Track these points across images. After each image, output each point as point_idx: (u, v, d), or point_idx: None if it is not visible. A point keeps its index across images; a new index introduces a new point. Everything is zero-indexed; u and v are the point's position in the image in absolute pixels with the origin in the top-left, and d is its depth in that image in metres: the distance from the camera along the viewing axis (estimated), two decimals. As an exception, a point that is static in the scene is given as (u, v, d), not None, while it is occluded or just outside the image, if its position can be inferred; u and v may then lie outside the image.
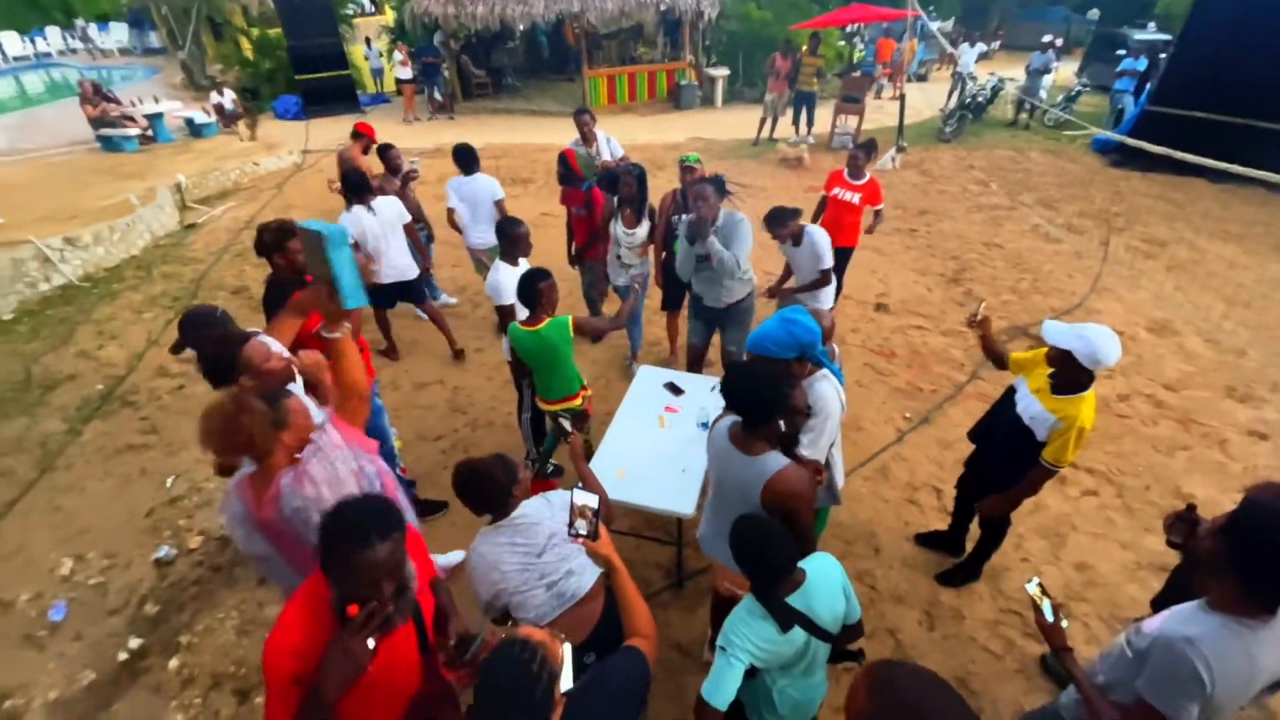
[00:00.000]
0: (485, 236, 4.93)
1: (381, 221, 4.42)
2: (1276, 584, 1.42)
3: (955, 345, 5.27)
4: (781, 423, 2.01)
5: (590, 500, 1.70)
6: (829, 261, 4.08)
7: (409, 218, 4.66)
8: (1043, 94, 12.28)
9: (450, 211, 4.97)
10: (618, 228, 4.48)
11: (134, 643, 3.04)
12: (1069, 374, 2.36)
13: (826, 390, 2.37)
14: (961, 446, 4.14)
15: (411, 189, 5.24)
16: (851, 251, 5.27)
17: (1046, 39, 11.93)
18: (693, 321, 4.27)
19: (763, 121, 11.28)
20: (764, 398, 1.99)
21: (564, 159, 4.58)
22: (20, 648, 3.04)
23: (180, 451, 4.24)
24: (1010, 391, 2.70)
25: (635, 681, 1.48)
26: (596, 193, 4.66)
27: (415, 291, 4.89)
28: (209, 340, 2.27)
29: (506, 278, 3.46)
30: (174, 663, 2.95)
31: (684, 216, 4.07)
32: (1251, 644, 1.45)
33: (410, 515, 2.07)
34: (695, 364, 4.33)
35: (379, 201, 4.46)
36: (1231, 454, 4.04)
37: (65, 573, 3.41)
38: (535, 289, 3.02)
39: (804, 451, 2.35)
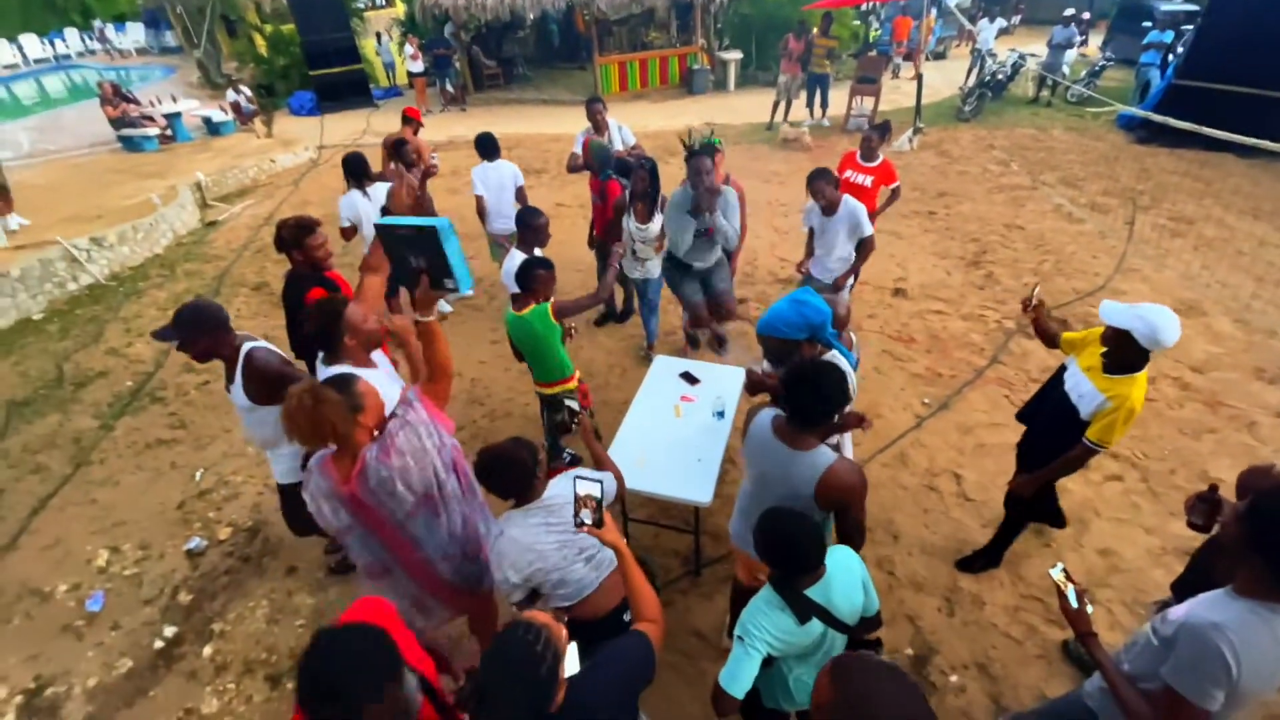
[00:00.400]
0: (507, 223, 5.04)
1: (375, 206, 4.52)
2: None
3: (975, 329, 5.20)
4: (838, 416, 2.04)
5: (593, 489, 1.74)
6: (870, 229, 4.12)
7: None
8: (1065, 70, 11.97)
9: (479, 199, 5.14)
10: (630, 222, 4.40)
11: (169, 631, 3.15)
12: (1124, 354, 2.32)
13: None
14: (981, 432, 4.14)
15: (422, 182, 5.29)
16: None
17: (1069, 13, 11.60)
18: (687, 284, 4.28)
19: (776, 105, 11.14)
20: (829, 396, 2.00)
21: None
22: (60, 637, 3.15)
23: (208, 446, 4.34)
24: (1060, 370, 2.67)
25: (639, 665, 1.54)
26: (612, 184, 4.67)
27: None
28: (322, 307, 2.40)
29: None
30: (208, 650, 3.05)
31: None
32: (1278, 629, 1.44)
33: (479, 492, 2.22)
34: (702, 319, 4.33)
35: (374, 187, 4.60)
36: (1261, 437, 3.95)
37: (101, 564, 3.52)
38: (532, 274, 3.12)
39: None
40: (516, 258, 3.58)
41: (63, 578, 3.45)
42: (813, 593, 1.76)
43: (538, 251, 3.67)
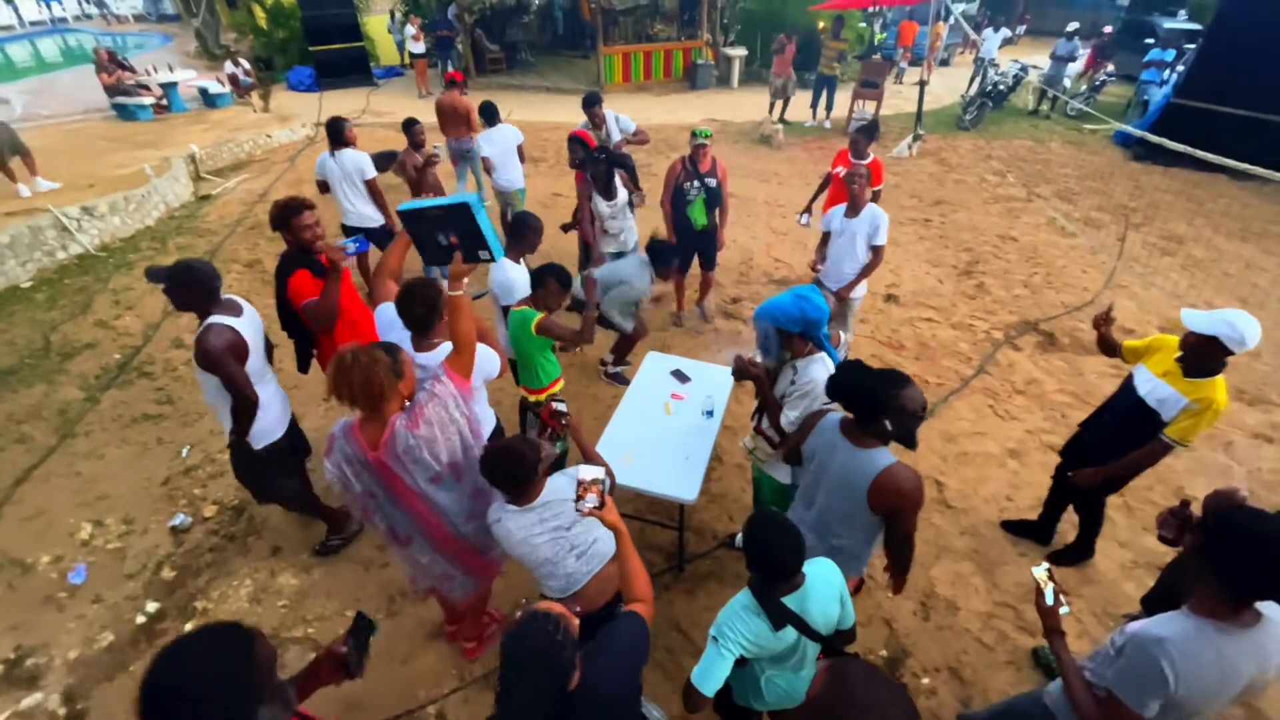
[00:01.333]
0: (512, 178, 5.86)
1: (342, 170, 4.94)
2: (1247, 585, 1.49)
3: (964, 338, 5.27)
4: (889, 423, 2.02)
5: (596, 473, 1.83)
6: (884, 238, 4.16)
7: (371, 174, 5.02)
8: (1066, 83, 12.06)
9: (485, 159, 5.77)
10: (599, 203, 4.77)
11: (151, 606, 3.15)
12: (1207, 359, 2.42)
13: (819, 373, 2.45)
14: (964, 440, 4.20)
15: (432, 173, 5.54)
16: None
17: (1073, 27, 11.66)
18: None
19: (773, 104, 11.16)
20: (870, 398, 2.04)
21: (581, 141, 4.90)
22: (42, 608, 3.15)
23: (195, 422, 4.32)
24: (1128, 379, 2.79)
25: (639, 644, 1.63)
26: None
27: (382, 237, 5.09)
28: (427, 290, 2.43)
29: (517, 275, 3.45)
30: (189, 627, 3.05)
31: (693, 182, 4.75)
32: (1224, 646, 1.52)
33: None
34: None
35: (344, 152, 4.96)
36: (1236, 457, 4.04)
37: (85, 537, 3.51)
38: (545, 280, 3.11)
39: (788, 428, 2.45)
40: (509, 268, 3.46)
41: (45, 549, 3.43)
42: (789, 601, 1.79)
43: (524, 261, 3.64)
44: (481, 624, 2.89)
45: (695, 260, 5.22)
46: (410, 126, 5.40)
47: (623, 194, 4.82)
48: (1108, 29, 13.60)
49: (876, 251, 4.21)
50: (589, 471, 1.83)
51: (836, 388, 2.12)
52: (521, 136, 5.91)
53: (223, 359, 2.59)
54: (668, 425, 3.30)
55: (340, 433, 2.04)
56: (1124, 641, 1.65)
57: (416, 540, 2.23)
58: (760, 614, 1.77)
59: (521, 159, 5.95)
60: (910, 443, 2.07)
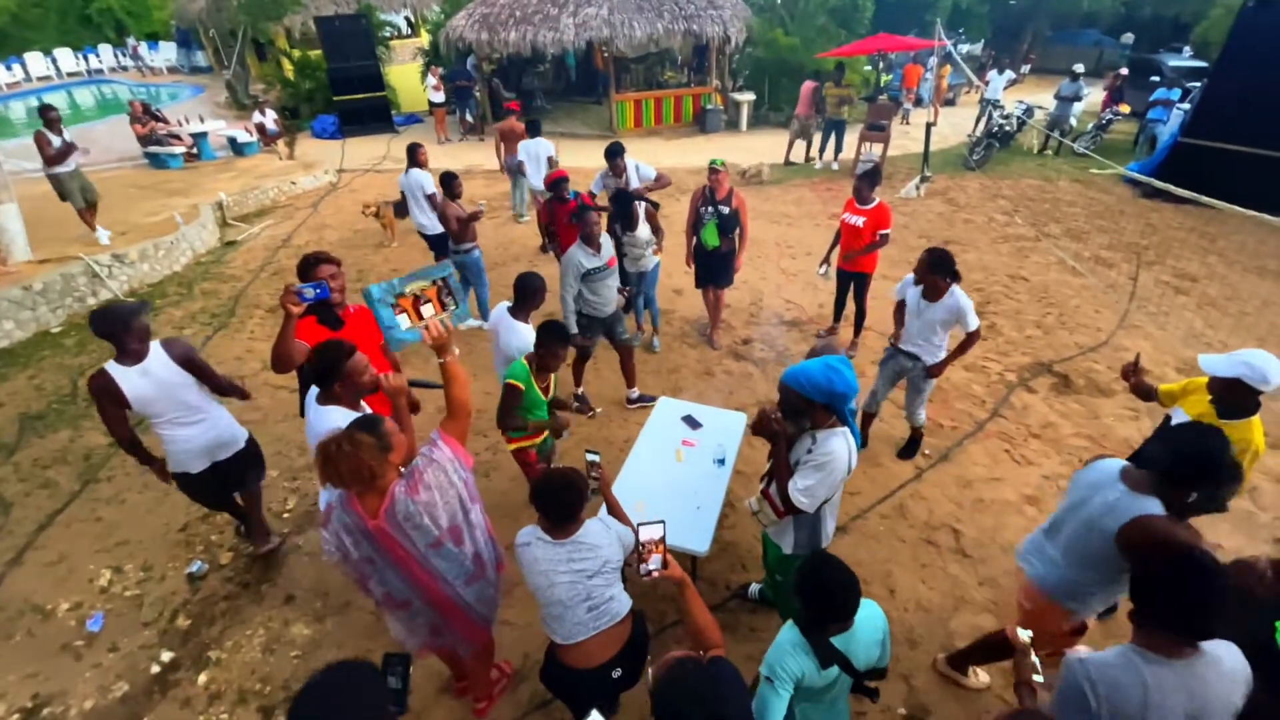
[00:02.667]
0: (538, 182, 7.38)
1: (408, 186, 6.20)
2: (1167, 613, 1.54)
3: (976, 381, 5.25)
4: (1201, 491, 1.98)
5: (655, 532, 1.79)
6: (975, 322, 3.68)
7: (431, 190, 6.09)
8: (1073, 121, 12.20)
9: (520, 163, 7.60)
10: (620, 234, 5.16)
11: (166, 656, 3.17)
12: (1236, 400, 2.46)
13: (839, 447, 2.36)
14: (980, 486, 4.15)
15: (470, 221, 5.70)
16: (868, 277, 5.32)
17: (1078, 69, 11.85)
18: (586, 336, 4.70)
19: (791, 143, 11.39)
20: (1210, 464, 1.95)
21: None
22: (59, 656, 3.17)
23: (214, 467, 4.39)
24: (1166, 420, 2.83)
25: (740, 678, 1.65)
26: (585, 199, 5.59)
27: (439, 244, 6.28)
28: (330, 348, 2.50)
29: (527, 336, 3.51)
30: (203, 678, 3.06)
31: (708, 208, 5.20)
32: (1150, 676, 1.54)
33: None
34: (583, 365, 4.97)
35: (413, 171, 6.17)
36: (1261, 503, 3.96)
37: (104, 583, 3.56)
38: (543, 342, 3.10)
39: (795, 496, 2.37)
40: (518, 331, 3.53)
41: (65, 596, 3.48)
42: (836, 640, 1.84)
43: (530, 322, 3.66)
44: (489, 681, 2.86)
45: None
46: (450, 181, 5.54)
47: (644, 228, 5.12)
48: (1124, 70, 13.71)
49: (970, 337, 3.77)
50: (650, 531, 1.78)
51: (1176, 449, 2.00)
52: (553, 149, 7.49)
53: (96, 399, 2.95)
54: (679, 473, 3.31)
55: (338, 503, 2.06)
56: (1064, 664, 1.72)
57: (414, 605, 2.24)
58: (808, 652, 1.81)
59: (551, 166, 7.34)
60: (1223, 508, 2.07)
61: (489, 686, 2.85)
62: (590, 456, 2.55)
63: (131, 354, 2.95)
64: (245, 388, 3.47)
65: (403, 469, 2.08)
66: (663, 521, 1.82)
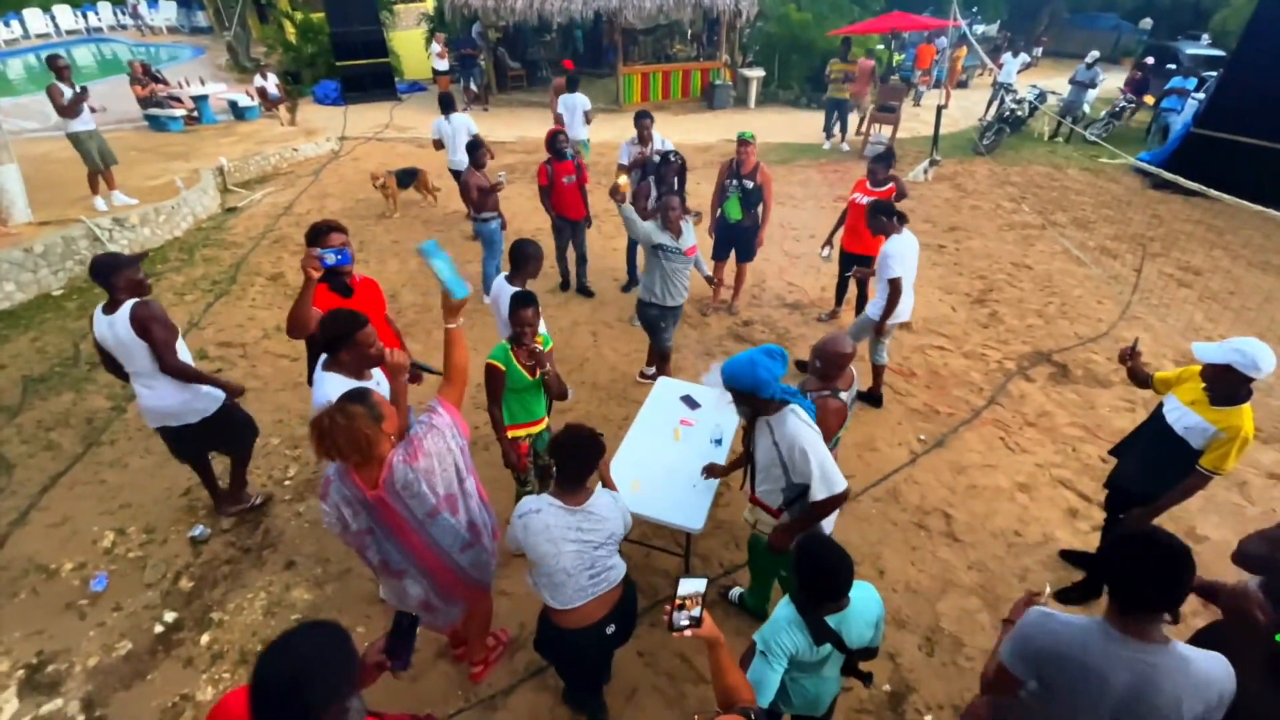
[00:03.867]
0: (577, 132, 7.99)
1: (454, 128, 7.20)
2: (1124, 590, 1.53)
3: (975, 368, 5.27)
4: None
5: (697, 586, 1.68)
6: (894, 271, 4.17)
7: (475, 130, 7.17)
8: (1086, 108, 12.04)
9: (559, 116, 8.10)
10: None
11: (169, 616, 3.23)
12: (1228, 387, 2.51)
13: (794, 425, 2.39)
14: (974, 473, 4.20)
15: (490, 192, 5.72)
16: (873, 259, 5.30)
17: (1094, 55, 11.65)
18: (663, 327, 4.60)
19: (842, 124, 11.20)
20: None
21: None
22: (63, 615, 3.24)
23: (216, 434, 4.43)
24: (1159, 408, 2.86)
25: None
26: (581, 160, 5.88)
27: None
28: (342, 316, 2.51)
29: None
30: (205, 638, 3.13)
31: (733, 181, 5.28)
32: (1097, 646, 1.53)
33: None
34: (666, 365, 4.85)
35: (455, 115, 7.23)
36: (1250, 497, 4.00)
37: (107, 545, 3.61)
38: (511, 314, 3.02)
39: (817, 490, 2.35)
40: (505, 290, 3.47)
41: (69, 556, 3.54)
42: (832, 619, 1.91)
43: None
44: (487, 647, 2.93)
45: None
46: (475, 149, 5.53)
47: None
48: (1148, 60, 13.40)
49: (891, 284, 4.18)
50: (689, 585, 1.67)
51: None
52: (589, 104, 8.21)
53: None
54: (676, 452, 3.34)
55: (336, 475, 2.07)
56: None
57: (410, 572, 2.27)
58: (803, 628, 1.88)
59: (587, 121, 8.25)
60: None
61: (486, 651, 2.93)
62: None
63: (113, 303, 3.06)
64: (219, 381, 3.44)
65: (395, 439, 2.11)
66: (706, 578, 1.79)
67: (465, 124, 7.23)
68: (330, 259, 2.78)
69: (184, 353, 3.28)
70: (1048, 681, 1.62)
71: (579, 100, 8.19)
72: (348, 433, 1.90)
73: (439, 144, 7.39)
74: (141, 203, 7.16)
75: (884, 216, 4.26)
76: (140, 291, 3.12)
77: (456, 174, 6.87)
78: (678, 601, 1.64)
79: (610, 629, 2.32)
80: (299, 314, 2.77)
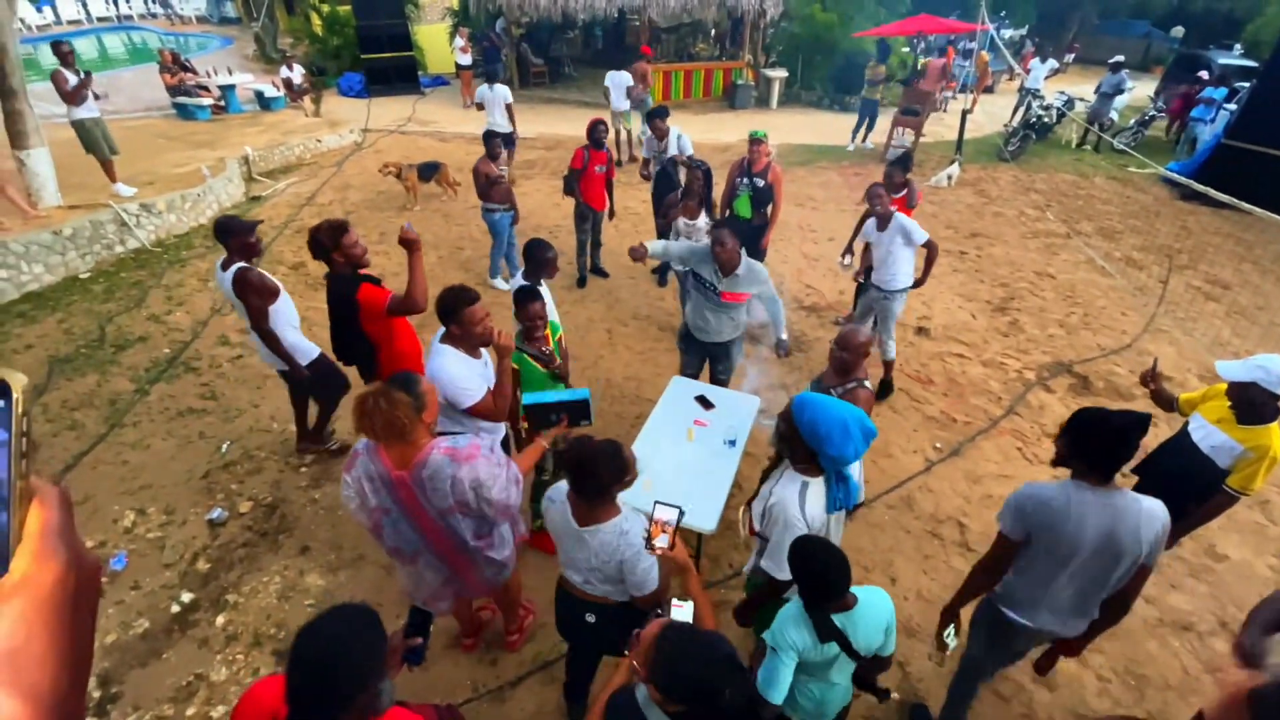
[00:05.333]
0: (621, 106, 9.92)
1: (495, 96, 8.62)
2: (1088, 456, 1.99)
3: (994, 377, 5.21)
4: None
5: (670, 514, 1.88)
6: (922, 235, 4.33)
7: (510, 100, 8.73)
8: (1113, 116, 11.84)
9: (607, 90, 9.85)
10: (681, 221, 5.08)
11: (186, 597, 3.29)
12: (1254, 405, 2.48)
13: (787, 497, 2.16)
14: (990, 483, 4.15)
15: (502, 187, 5.91)
16: None
17: (1119, 60, 11.45)
18: (684, 356, 4.18)
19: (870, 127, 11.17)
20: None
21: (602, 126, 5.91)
22: (85, 591, 3.30)
23: (236, 418, 4.50)
24: (1184, 425, 2.82)
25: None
26: (600, 154, 5.91)
27: (508, 140, 8.49)
28: (455, 293, 2.65)
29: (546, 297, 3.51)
30: (221, 619, 3.18)
31: (744, 179, 5.26)
32: (1075, 498, 1.99)
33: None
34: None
35: (497, 86, 8.68)
36: (1273, 516, 3.93)
37: (127, 524, 3.68)
38: (520, 307, 3.09)
39: (765, 562, 2.25)
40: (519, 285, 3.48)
41: (90, 535, 3.61)
42: (838, 619, 1.90)
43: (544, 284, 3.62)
44: (518, 615, 3.00)
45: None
46: (489, 140, 5.81)
47: (703, 217, 5.07)
48: (1204, 74, 12.46)
49: (928, 246, 4.38)
50: (664, 512, 1.88)
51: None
52: (630, 80, 9.73)
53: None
54: (690, 452, 3.34)
55: (364, 450, 2.13)
56: None
57: (423, 557, 2.31)
58: (809, 625, 1.89)
59: (628, 96, 9.76)
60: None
61: (520, 620, 3.01)
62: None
63: (228, 261, 3.49)
64: (289, 356, 3.63)
65: (442, 435, 2.18)
66: (679, 508, 1.87)
67: (504, 94, 8.60)
68: (414, 232, 3.12)
69: (286, 313, 3.62)
70: (1037, 534, 2.06)
71: (622, 78, 9.79)
72: (386, 416, 1.96)
73: (480, 106, 8.87)
74: (161, 188, 7.26)
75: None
76: (249, 254, 3.50)
77: (489, 134, 7.20)
78: (656, 528, 1.84)
79: (590, 618, 2.23)
80: (422, 283, 3.11)
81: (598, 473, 1.92)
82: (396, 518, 2.19)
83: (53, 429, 4.35)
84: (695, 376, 4.09)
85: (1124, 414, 1.94)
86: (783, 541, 2.10)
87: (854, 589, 1.93)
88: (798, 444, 2.14)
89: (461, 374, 2.66)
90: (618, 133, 10.15)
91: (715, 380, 4.13)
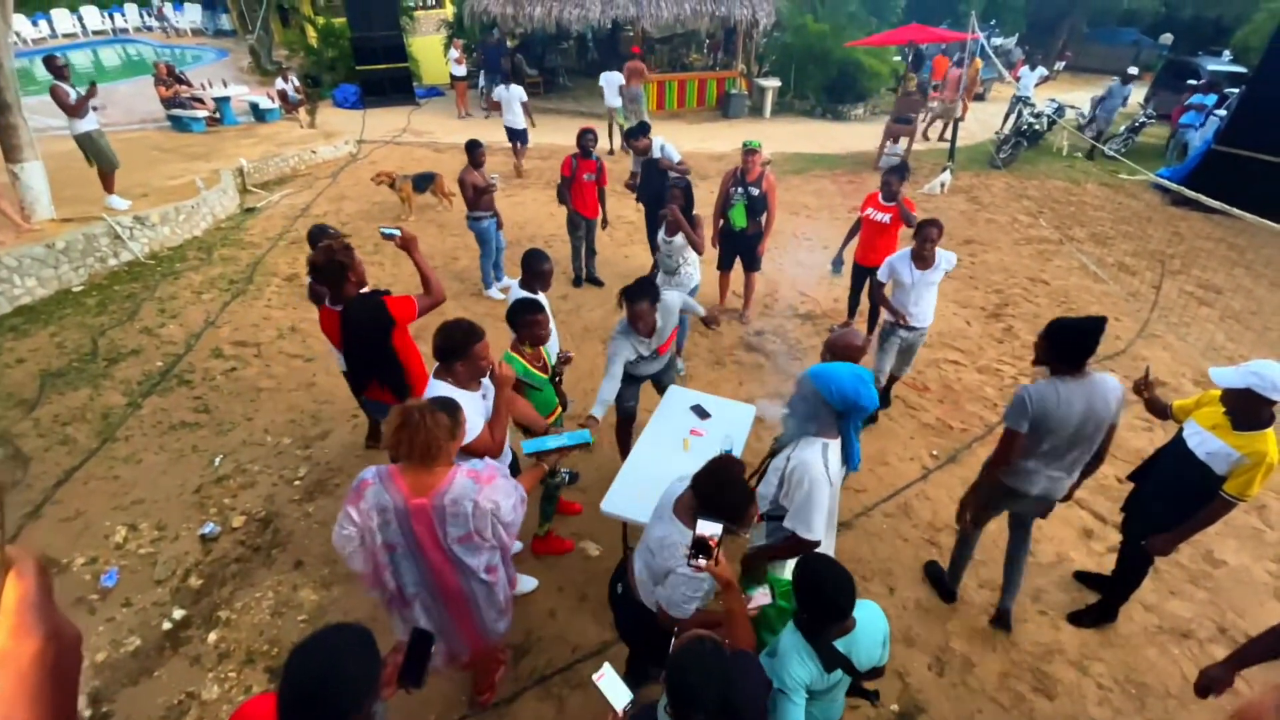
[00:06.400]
0: (614, 103, 10.93)
1: (510, 95, 9.65)
2: (1063, 354, 2.61)
3: (989, 383, 5.21)
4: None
5: (715, 529, 1.82)
6: (952, 260, 4.32)
7: (525, 98, 9.84)
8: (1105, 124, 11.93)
9: (602, 89, 10.84)
10: (660, 236, 4.94)
11: (177, 613, 3.25)
12: (1249, 411, 2.50)
13: (817, 457, 2.26)
14: (987, 490, 4.13)
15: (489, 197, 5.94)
16: None
17: (1132, 71, 11.62)
18: (628, 388, 3.82)
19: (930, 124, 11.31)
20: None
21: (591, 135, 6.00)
22: (74, 609, 3.26)
23: (229, 432, 4.47)
24: (1179, 431, 2.84)
25: (762, 673, 1.74)
26: (604, 163, 6.05)
27: (521, 136, 10.12)
28: (465, 330, 2.55)
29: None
30: (213, 636, 3.14)
31: (738, 189, 5.24)
32: (1062, 388, 2.59)
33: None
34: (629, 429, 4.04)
35: (513, 86, 9.74)
36: (1269, 521, 3.93)
37: (119, 540, 3.64)
38: (518, 318, 3.09)
39: (792, 521, 2.28)
40: (518, 295, 3.48)
41: (81, 550, 3.57)
42: (840, 644, 1.86)
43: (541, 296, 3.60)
44: (492, 673, 2.90)
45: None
46: (474, 148, 5.79)
47: (679, 236, 4.81)
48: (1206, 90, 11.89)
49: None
50: (707, 527, 1.80)
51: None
52: (623, 79, 10.76)
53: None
54: (686, 462, 3.32)
55: (377, 478, 2.02)
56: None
57: (421, 596, 2.21)
58: (812, 656, 1.82)
59: (620, 93, 10.78)
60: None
61: (492, 679, 2.90)
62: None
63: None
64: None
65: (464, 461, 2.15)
66: (722, 524, 1.83)
67: (519, 93, 9.68)
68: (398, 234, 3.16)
69: None
70: (1038, 421, 2.63)
71: (615, 77, 10.73)
72: (425, 435, 1.92)
73: (496, 105, 10.14)
74: (155, 200, 7.25)
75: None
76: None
77: (510, 130, 9.90)
78: (699, 536, 1.78)
79: (618, 589, 2.39)
80: (437, 281, 3.22)
81: (731, 499, 1.96)
82: (403, 554, 2.09)
83: (44, 444, 4.31)
84: (634, 412, 3.95)
85: (1086, 319, 2.56)
86: (809, 501, 2.24)
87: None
88: (826, 412, 2.30)
89: (466, 411, 2.52)
90: (610, 127, 11.10)
91: (661, 388, 4.00)
